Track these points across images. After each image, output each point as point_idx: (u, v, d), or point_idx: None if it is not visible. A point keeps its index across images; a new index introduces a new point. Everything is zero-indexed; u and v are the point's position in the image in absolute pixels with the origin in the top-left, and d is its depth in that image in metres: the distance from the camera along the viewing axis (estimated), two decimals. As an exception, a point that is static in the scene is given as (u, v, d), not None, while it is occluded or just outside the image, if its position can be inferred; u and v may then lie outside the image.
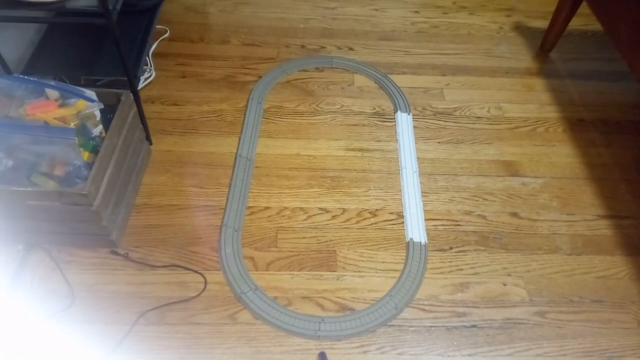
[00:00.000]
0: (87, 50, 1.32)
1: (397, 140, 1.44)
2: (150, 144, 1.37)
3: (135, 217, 1.21)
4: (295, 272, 1.14)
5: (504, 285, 1.15)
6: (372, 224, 1.24)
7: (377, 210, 1.27)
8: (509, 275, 1.16)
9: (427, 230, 1.24)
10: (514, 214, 1.28)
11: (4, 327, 1.01)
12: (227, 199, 1.26)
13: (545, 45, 1.75)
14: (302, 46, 1.72)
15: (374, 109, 1.52)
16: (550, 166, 1.40)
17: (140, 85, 1.52)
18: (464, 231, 1.24)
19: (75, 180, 1.00)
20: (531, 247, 1.22)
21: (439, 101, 1.57)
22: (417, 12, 1.91)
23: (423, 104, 1.55)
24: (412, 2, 1.95)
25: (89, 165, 1.01)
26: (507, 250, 1.21)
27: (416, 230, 1.22)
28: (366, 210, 1.27)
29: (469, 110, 1.54)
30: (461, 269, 1.17)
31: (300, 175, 1.33)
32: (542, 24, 1.88)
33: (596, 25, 1.89)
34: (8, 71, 1.22)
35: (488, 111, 1.55)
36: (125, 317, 1.04)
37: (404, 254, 1.19)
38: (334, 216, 1.25)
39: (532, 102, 1.59)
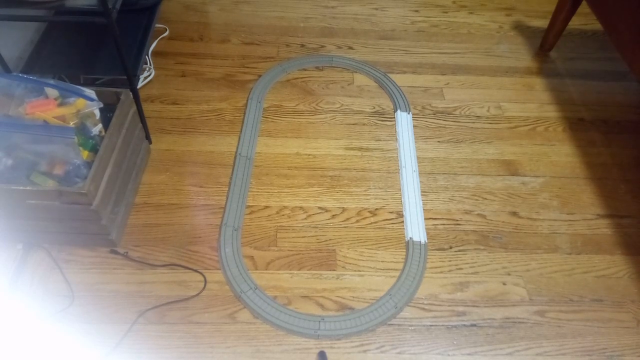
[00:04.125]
0: (87, 49, 1.32)
1: (396, 139, 1.44)
2: (150, 143, 1.36)
3: (135, 216, 1.21)
4: (295, 271, 1.14)
5: (504, 284, 1.15)
6: (371, 223, 1.24)
7: (376, 209, 1.27)
8: (509, 274, 1.16)
9: (426, 229, 1.24)
10: (514, 213, 1.28)
11: (4, 326, 1.01)
12: (227, 198, 1.26)
13: (545, 44, 1.75)
14: (302, 45, 1.72)
15: (374, 108, 1.52)
16: (550, 165, 1.40)
17: (140, 84, 1.51)
18: (463, 230, 1.24)
19: (75, 179, 1.00)
20: (531, 246, 1.22)
21: (438, 100, 1.57)
22: (417, 11, 1.91)
23: (423, 103, 1.55)
24: (412, 1, 1.95)
25: (89, 164, 1.01)
26: (507, 249, 1.21)
27: (416, 229, 1.22)
28: (366, 209, 1.27)
29: (468, 109, 1.54)
30: (461, 268, 1.17)
31: (300, 174, 1.33)
32: (542, 23, 1.88)
33: (596, 25, 1.89)
34: (7, 70, 1.22)
35: (488, 110, 1.55)
36: (125, 316, 1.04)
37: (404, 253, 1.19)
38: (333, 215, 1.25)
39: (531, 101, 1.59)
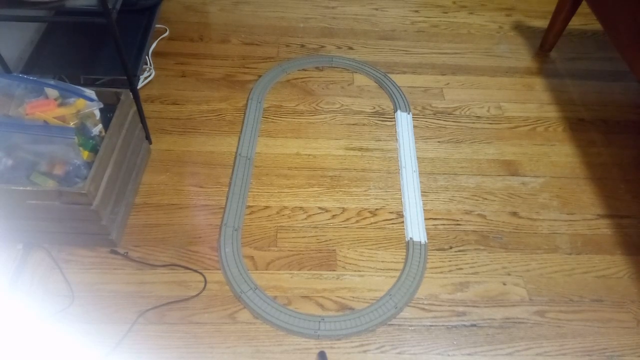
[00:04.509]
0: (87, 49, 1.32)
1: (396, 139, 1.44)
2: (150, 143, 1.36)
3: (135, 216, 1.21)
4: (295, 272, 1.14)
5: (504, 284, 1.15)
6: (371, 223, 1.24)
7: (376, 209, 1.27)
8: (509, 274, 1.16)
9: (426, 229, 1.24)
10: (514, 214, 1.28)
11: (4, 326, 1.01)
12: (227, 198, 1.26)
13: (545, 44, 1.75)
14: (302, 45, 1.72)
15: (374, 108, 1.52)
16: (550, 165, 1.40)
17: (140, 85, 1.52)
18: (463, 230, 1.24)
19: (75, 180, 1.00)
20: (531, 246, 1.22)
21: (438, 100, 1.57)
22: (417, 11, 1.91)
23: (423, 104, 1.55)
24: (412, 2, 1.95)
25: (89, 165, 1.01)
26: (507, 249, 1.21)
27: (416, 229, 1.22)
28: (366, 209, 1.27)
29: (468, 109, 1.54)
30: (461, 268, 1.17)
31: (300, 174, 1.33)
32: (542, 23, 1.88)
33: (596, 25, 1.89)
34: (7, 70, 1.22)
35: (488, 110, 1.55)
36: (125, 316, 1.04)
37: (404, 254, 1.19)
38: (333, 215, 1.25)
39: (531, 101, 1.59)
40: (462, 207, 1.29)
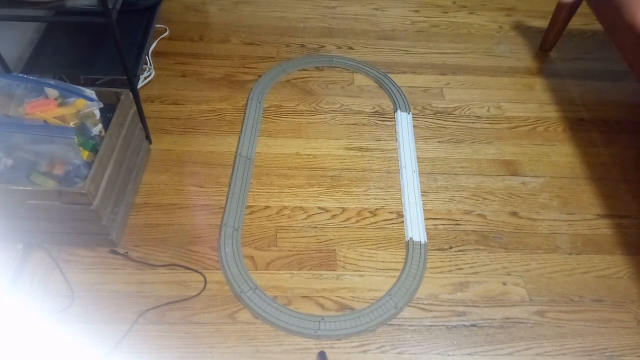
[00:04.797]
0: (87, 49, 1.32)
1: (396, 139, 1.44)
2: (150, 143, 1.36)
3: (135, 216, 1.21)
4: (295, 272, 1.14)
5: (504, 284, 1.15)
6: (371, 223, 1.24)
7: (376, 209, 1.27)
8: (509, 274, 1.16)
9: (426, 229, 1.24)
10: (514, 214, 1.28)
11: (4, 326, 1.01)
12: (227, 198, 1.26)
13: (545, 44, 1.75)
14: (302, 45, 1.72)
15: (374, 108, 1.52)
16: (550, 165, 1.40)
17: (140, 84, 1.52)
18: (463, 230, 1.24)
19: (75, 180, 1.00)
20: (531, 246, 1.22)
21: (438, 100, 1.57)
22: (417, 11, 1.91)
23: (423, 103, 1.55)
24: (412, 1, 1.95)
25: (89, 165, 1.01)
26: (507, 249, 1.21)
27: (416, 229, 1.22)
28: (366, 209, 1.27)
29: (468, 109, 1.54)
30: (461, 268, 1.17)
31: (300, 174, 1.33)
32: (542, 23, 1.88)
33: (596, 25, 1.89)
34: (7, 70, 1.22)
35: (488, 110, 1.55)
36: (125, 316, 1.04)
37: (404, 253, 1.19)
38: (333, 215, 1.25)
39: (531, 101, 1.59)
40: (462, 207, 1.29)
